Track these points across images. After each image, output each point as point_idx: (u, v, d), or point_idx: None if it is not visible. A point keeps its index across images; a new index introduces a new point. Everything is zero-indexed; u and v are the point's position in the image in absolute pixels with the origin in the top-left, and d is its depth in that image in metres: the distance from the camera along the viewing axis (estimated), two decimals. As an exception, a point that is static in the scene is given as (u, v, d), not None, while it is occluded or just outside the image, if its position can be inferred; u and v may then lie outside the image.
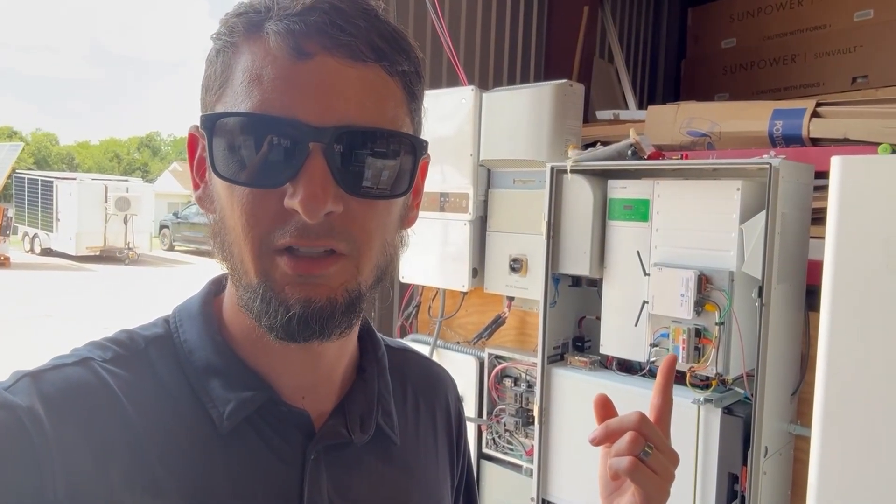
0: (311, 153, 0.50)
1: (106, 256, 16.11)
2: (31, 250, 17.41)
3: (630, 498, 0.65)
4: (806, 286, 1.92)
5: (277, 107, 0.50)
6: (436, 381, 0.76)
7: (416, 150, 0.55)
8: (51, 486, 0.47)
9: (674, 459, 0.65)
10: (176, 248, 20.67)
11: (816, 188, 1.97)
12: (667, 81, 5.09)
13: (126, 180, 18.62)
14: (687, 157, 1.90)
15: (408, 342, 2.54)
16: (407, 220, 0.61)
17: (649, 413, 0.68)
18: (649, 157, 1.93)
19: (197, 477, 0.53)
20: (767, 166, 1.64)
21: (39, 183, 17.14)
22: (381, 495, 0.62)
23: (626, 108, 4.06)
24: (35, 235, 17.36)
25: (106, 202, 15.79)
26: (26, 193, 17.76)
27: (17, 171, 18.09)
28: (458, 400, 0.79)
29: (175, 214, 21.13)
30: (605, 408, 0.68)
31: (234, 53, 0.53)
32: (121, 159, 53.75)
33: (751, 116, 2.61)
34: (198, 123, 0.56)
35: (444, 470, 0.72)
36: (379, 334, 0.70)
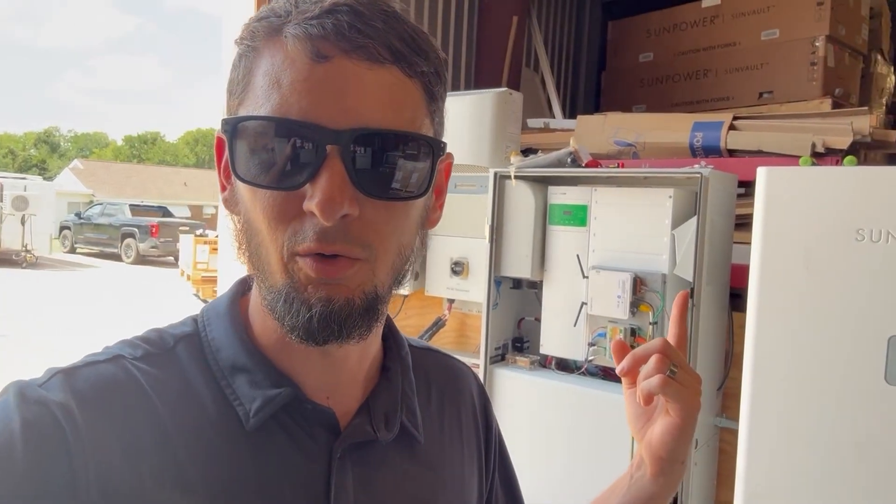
0: (328, 156, 0.50)
1: (1, 259, 15.07)
2: (-85, 252, 16.06)
3: (665, 419, 0.68)
4: (729, 288, 2.06)
5: (295, 110, 0.51)
6: (459, 379, 0.77)
7: (433, 151, 0.56)
8: (83, 481, 0.48)
9: (697, 378, 0.69)
10: (78, 250, 19.58)
11: (737, 196, 2.12)
12: (587, 92, 5.28)
13: (24, 178, 17.49)
14: (623, 166, 2.00)
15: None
16: (429, 220, 0.62)
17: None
18: (587, 165, 2.02)
19: (224, 473, 0.54)
20: (698, 175, 1.75)
21: (-76, 180, 15.84)
22: (406, 493, 0.63)
23: (552, 116, 4.19)
24: (-81, 237, 16.03)
25: (1, 201, 14.78)
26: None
27: None
28: (484, 395, 0.79)
29: (77, 215, 20.03)
30: (623, 349, 0.70)
31: (255, 58, 0.54)
32: (16, 155, 50.46)
33: (673, 128, 2.76)
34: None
35: (471, 467, 0.73)
36: (402, 334, 0.71)
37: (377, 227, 0.54)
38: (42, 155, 52.70)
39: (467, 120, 2.19)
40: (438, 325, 2.32)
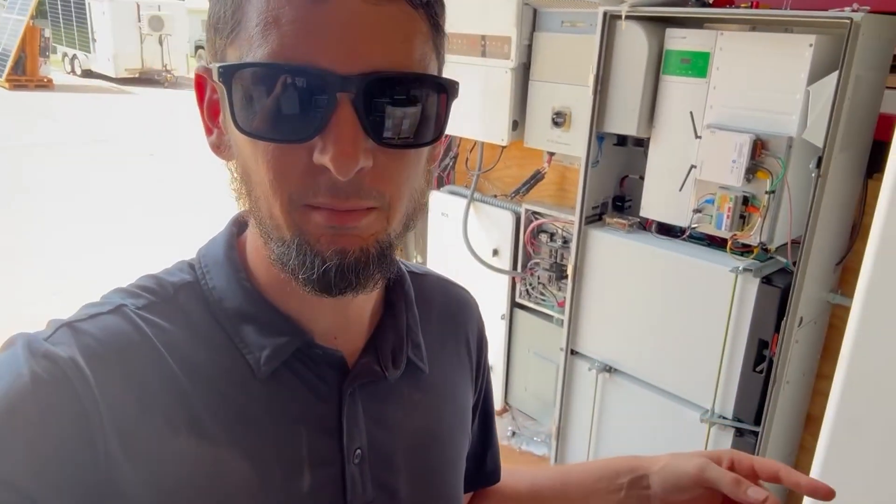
0: (339, 104, 0.47)
1: (145, 79, 15.98)
2: (72, 72, 17.35)
3: None
4: (870, 149, 1.80)
5: (300, 54, 0.46)
6: (459, 304, 0.76)
7: (448, 92, 0.53)
8: (100, 436, 0.48)
9: None
10: (214, 70, 20.35)
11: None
12: None
13: (158, -3, 17.95)
14: (757, 6, 1.71)
15: (445, 194, 2.52)
16: (433, 156, 0.58)
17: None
18: (715, 4, 1.75)
19: (239, 417, 0.55)
20: (847, 21, 1.47)
21: (72, 1, 16.68)
22: (414, 422, 0.64)
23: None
24: (74, 56, 17.19)
25: (139, 22, 15.37)
26: (60, 12, 17.36)
27: (47, -14, 17.55)
28: (481, 321, 0.79)
29: (210, 34, 20.56)
30: None
31: None
32: (151, -28, 51.76)
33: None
34: (206, 65, 0.53)
35: (468, 389, 0.74)
36: (400, 261, 0.68)
37: (391, 175, 0.51)
38: (176, -29, 53.74)
39: (579, -52, 1.92)
40: (537, 177, 2.24)
